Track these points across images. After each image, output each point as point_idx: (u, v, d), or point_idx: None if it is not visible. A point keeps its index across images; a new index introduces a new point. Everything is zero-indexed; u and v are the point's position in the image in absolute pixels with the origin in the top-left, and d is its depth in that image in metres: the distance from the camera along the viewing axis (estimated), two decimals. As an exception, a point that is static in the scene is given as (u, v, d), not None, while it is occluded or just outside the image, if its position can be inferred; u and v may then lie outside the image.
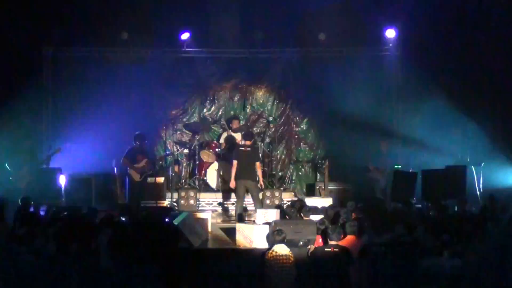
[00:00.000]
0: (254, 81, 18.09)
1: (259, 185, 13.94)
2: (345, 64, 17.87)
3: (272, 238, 9.15)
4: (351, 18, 17.10)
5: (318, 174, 17.69)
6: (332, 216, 10.96)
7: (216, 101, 18.30)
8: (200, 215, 12.77)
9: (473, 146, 15.76)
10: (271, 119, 18.08)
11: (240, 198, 13.71)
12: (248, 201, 16.00)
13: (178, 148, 17.50)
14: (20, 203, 12.21)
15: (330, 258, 9.18)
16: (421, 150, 16.69)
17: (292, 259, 9.07)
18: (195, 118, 18.18)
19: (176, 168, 16.99)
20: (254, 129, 17.70)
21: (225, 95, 18.29)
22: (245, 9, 17.16)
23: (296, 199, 15.22)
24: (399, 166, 15.38)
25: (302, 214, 11.35)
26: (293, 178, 18.20)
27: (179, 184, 16.83)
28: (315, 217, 11.11)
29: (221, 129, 17.80)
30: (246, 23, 17.26)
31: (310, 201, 13.91)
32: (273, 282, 8.93)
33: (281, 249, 9.03)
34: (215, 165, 16.29)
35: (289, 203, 14.36)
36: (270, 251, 9.04)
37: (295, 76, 18.19)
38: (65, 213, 10.81)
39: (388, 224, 10.11)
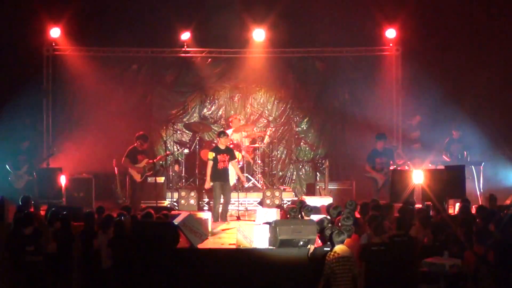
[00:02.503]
0: (254, 81, 18.08)
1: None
2: (345, 64, 17.88)
3: (333, 239, 9.11)
4: (351, 18, 17.11)
5: (318, 174, 17.69)
6: (333, 215, 10.95)
7: (216, 101, 18.32)
8: (200, 215, 12.77)
9: (473, 145, 15.74)
10: (271, 118, 18.12)
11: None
12: (249, 201, 16.06)
13: (179, 147, 17.50)
14: (20, 203, 12.20)
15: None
16: (421, 149, 16.71)
17: (353, 259, 9.04)
18: (195, 118, 18.18)
19: (176, 168, 16.99)
20: (255, 129, 17.69)
21: (225, 95, 18.30)
22: (246, 9, 17.15)
23: (296, 199, 15.22)
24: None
25: (303, 213, 11.35)
26: (293, 177, 18.21)
27: (180, 184, 16.83)
28: (316, 217, 11.11)
29: (221, 129, 17.80)
30: (247, 23, 17.25)
31: (310, 201, 13.92)
32: (335, 283, 8.92)
33: (343, 250, 9.00)
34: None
35: (289, 203, 14.37)
36: (332, 253, 8.97)
37: (295, 76, 18.19)
38: (64, 212, 10.79)
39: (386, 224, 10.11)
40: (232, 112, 18.12)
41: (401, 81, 17.34)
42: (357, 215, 11.21)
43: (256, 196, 16.32)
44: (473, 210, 12.93)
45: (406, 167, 14.66)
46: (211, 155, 14.07)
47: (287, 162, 18.26)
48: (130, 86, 17.93)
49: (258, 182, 16.65)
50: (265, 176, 17.04)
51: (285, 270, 10.19)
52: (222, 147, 14.19)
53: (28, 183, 14.66)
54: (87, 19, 17.03)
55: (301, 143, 18.27)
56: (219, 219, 13.89)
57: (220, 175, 14.11)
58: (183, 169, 17.06)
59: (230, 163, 14.23)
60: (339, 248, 8.94)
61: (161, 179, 15.73)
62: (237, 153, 15.67)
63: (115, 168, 16.27)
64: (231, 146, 15.50)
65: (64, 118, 17.52)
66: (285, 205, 15.07)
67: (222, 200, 14.12)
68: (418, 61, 17.05)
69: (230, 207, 15.35)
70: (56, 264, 10.25)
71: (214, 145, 14.80)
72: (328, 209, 11.42)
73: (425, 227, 10.10)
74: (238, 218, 14.67)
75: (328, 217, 10.78)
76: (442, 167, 14.72)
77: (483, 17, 16.74)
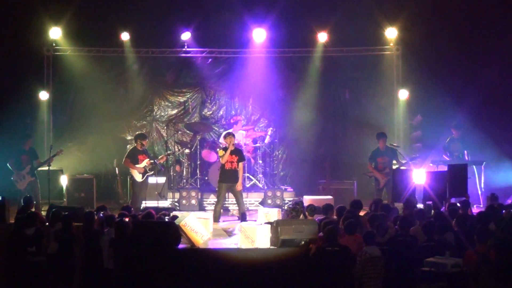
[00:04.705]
0: (255, 81, 18.05)
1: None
2: (346, 64, 17.87)
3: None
4: (351, 18, 17.11)
5: (319, 174, 17.66)
6: (335, 215, 10.96)
7: (217, 101, 18.32)
8: (202, 215, 12.78)
9: (474, 145, 15.73)
10: (272, 118, 18.12)
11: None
12: (250, 201, 16.07)
13: (179, 148, 17.51)
14: (22, 203, 12.21)
15: (331, 257, 9.19)
16: (422, 149, 16.70)
17: (382, 261, 9.08)
18: (196, 118, 18.19)
19: (177, 168, 17.00)
20: (256, 128, 17.69)
21: (226, 95, 18.30)
22: (246, 9, 17.15)
23: (297, 198, 15.22)
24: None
25: (307, 213, 11.36)
26: (294, 177, 18.18)
27: (181, 184, 16.83)
28: (318, 217, 11.13)
29: (222, 129, 17.80)
30: (247, 23, 17.26)
31: (311, 201, 13.92)
32: (364, 283, 8.97)
33: (374, 251, 9.05)
34: (216, 165, 16.28)
35: (290, 203, 14.35)
36: (364, 253, 9.04)
37: (295, 76, 18.18)
38: (66, 213, 10.78)
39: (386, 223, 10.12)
40: (233, 112, 18.13)
41: (402, 80, 17.34)
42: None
43: (257, 196, 16.35)
44: (474, 209, 12.96)
45: (408, 167, 14.63)
46: (221, 152, 14.03)
47: (288, 161, 18.26)
48: (130, 86, 17.94)
49: (259, 182, 16.66)
50: (266, 176, 17.05)
51: (286, 270, 10.19)
52: (231, 147, 14.01)
53: (30, 184, 14.65)
54: (87, 20, 17.03)
55: (302, 143, 18.24)
56: (241, 220, 13.75)
57: (228, 176, 13.96)
58: (184, 169, 17.06)
59: (241, 164, 14.06)
60: (370, 248, 9.00)
61: (163, 179, 15.73)
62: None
63: (116, 168, 16.29)
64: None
65: (65, 119, 17.54)
66: (286, 205, 15.09)
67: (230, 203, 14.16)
68: (419, 61, 17.06)
69: (232, 207, 15.38)
70: (57, 264, 10.25)
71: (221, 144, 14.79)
72: (330, 209, 11.40)
73: (425, 226, 10.07)
74: (239, 218, 14.69)
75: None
76: (443, 166, 14.72)
77: (483, 17, 16.73)
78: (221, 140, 16.55)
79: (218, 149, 14.55)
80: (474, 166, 15.20)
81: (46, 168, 14.60)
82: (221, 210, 14.25)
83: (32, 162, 14.69)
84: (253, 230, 10.76)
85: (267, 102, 18.26)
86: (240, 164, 14.02)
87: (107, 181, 17.07)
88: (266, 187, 16.51)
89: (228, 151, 13.86)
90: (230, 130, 15.75)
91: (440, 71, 17.00)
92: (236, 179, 13.97)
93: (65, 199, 15.40)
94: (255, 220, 13.09)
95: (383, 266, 9.09)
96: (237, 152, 14.13)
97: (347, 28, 17.23)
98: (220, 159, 14.04)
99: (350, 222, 9.85)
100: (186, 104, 18.17)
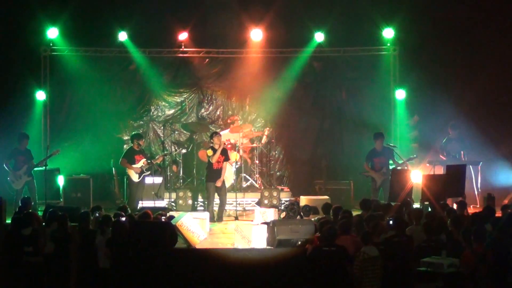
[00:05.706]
0: (252, 81, 18.03)
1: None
2: (343, 64, 17.87)
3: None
4: (348, 18, 17.11)
5: (316, 174, 17.66)
6: (332, 215, 10.97)
7: (214, 101, 18.30)
8: (198, 215, 12.79)
9: (471, 145, 15.74)
10: (268, 118, 18.11)
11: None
12: (246, 201, 16.06)
13: (176, 148, 17.50)
14: (20, 204, 12.19)
15: (328, 257, 9.19)
16: (419, 149, 16.71)
17: (380, 261, 9.08)
18: (193, 118, 18.17)
19: (174, 168, 16.98)
20: (252, 129, 17.69)
21: (223, 95, 18.28)
22: (243, 9, 17.15)
23: (293, 199, 15.23)
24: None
25: (301, 213, 11.37)
26: (291, 177, 18.17)
27: (177, 184, 16.82)
28: (314, 217, 11.14)
29: (219, 129, 17.78)
30: (244, 23, 17.26)
31: (308, 201, 13.93)
32: (363, 283, 8.98)
33: (372, 251, 9.05)
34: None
35: (287, 203, 14.35)
36: (362, 253, 9.04)
37: (292, 76, 18.16)
38: (60, 213, 10.77)
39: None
40: (230, 112, 18.12)
41: (399, 80, 17.35)
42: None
43: (254, 196, 16.33)
44: (470, 210, 12.97)
45: (405, 167, 14.65)
46: (210, 152, 14.23)
47: (285, 162, 18.24)
48: (127, 86, 17.91)
49: (256, 182, 16.66)
50: (263, 176, 17.05)
51: (283, 270, 10.19)
52: (217, 147, 14.35)
53: (26, 184, 14.64)
54: (85, 20, 17.03)
55: (300, 143, 18.23)
56: (215, 220, 14.00)
57: (216, 175, 14.37)
58: (181, 169, 17.06)
59: (225, 163, 14.51)
60: (368, 249, 9.01)
61: (159, 179, 15.72)
62: (235, 153, 15.73)
63: (113, 168, 16.27)
64: (229, 146, 15.54)
65: (62, 118, 17.49)
66: (282, 205, 15.08)
67: (217, 201, 14.28)
68: (416, 61, 17.08)
69: (228, 207, 15.39)
70: (53, 264, 10.24)
71: (211, 145, 14.85)
72: (327, 209, 11.40)
73: (423, 226, 10.08)
74: (236, 218, 14.71)
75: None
76: (440, 167, 14.75)
77: (480, 17, 16.75)
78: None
79: (207, 150, 14.67)
80: (470, 167, 15.22)
81: (42, 168, 14.60)
82: (214, 210, 14.37)
83: (29, 162, 14.69)
84: (249, 230, 10.78)
85: (264, 102, 18.23)
86: (225, 163, 14.57)
87: (103, 181, 17.04)
88: (262, 187, 16.50)
89: (219, 151, 14.12)
90: (217, 130, 16.00)
91: (437, 71, 17.02)
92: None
93: (61, 199, 15.38)
94: (252, 220, 13.10)
95: (381, 266, 9.09)
96: (224, 151, 14.62)
97: (344, 28, 17.24)
98: (210, 158, 14.26)
99: (344, 222, 9.85)
100: (183, 104, 18.16)
